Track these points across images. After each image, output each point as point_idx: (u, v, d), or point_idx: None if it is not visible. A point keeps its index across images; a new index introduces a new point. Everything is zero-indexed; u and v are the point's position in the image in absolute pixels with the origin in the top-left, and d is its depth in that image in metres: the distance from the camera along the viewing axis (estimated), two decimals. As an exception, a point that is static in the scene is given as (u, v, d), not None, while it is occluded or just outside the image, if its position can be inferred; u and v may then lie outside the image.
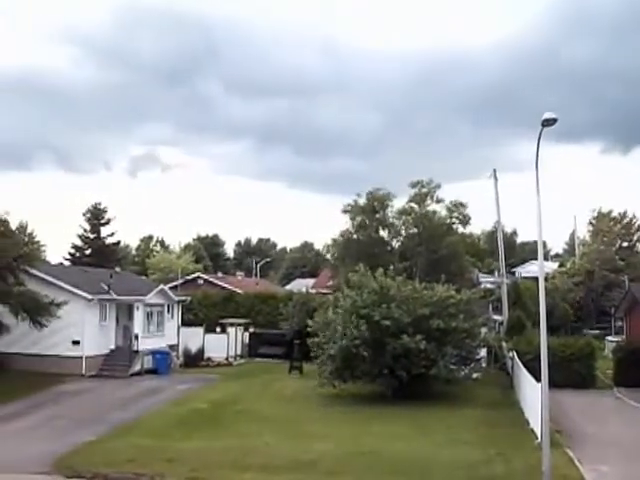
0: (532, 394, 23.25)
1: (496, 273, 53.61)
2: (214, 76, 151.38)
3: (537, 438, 21.43)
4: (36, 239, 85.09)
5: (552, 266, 72.40)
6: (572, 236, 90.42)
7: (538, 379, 19.84)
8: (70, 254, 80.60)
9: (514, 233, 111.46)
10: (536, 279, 25.85)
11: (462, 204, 45.93)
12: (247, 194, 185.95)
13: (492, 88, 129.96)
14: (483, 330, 34.55)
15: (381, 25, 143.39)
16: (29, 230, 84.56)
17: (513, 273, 72.95)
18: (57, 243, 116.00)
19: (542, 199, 18.78)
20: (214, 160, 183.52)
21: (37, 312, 33.36)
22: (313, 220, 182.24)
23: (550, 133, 18.15)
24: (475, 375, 33.06)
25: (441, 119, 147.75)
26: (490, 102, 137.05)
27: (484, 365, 38.58)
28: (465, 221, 46.11)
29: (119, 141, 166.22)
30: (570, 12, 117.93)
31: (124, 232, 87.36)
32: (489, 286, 54.21)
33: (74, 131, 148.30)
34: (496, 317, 48.68)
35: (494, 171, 48.64)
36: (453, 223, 46.25)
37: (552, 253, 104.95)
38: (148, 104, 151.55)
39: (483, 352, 37.61)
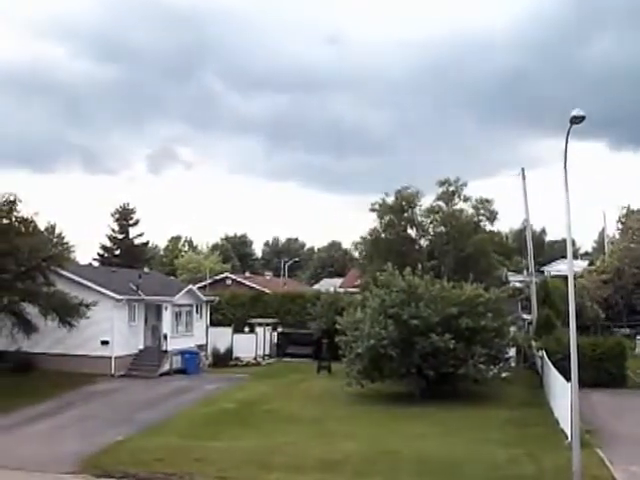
0: (562, 394, 23.08)
1: (525, 272, 53.29)
2: (217, 73, 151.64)
3: (567, 438, 21.25)
4: (65, 240, 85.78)
5: (581, 264, 71.74)
6: (601, 234, 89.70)
7: (568, 378, 19.69)
8: (99, 255, 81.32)
9: (543, 231, 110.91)
10: (565, 278, 25.64)
11: (488, 200, 45.68)
12: (261, 193, 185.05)
13: (499, 83, 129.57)
14: (512, 329, 34.36)
15: (385, 14, 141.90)
16: (58, 231, 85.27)
17: (542, 272, 72.48)
18: (86, 244, 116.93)
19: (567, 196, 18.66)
20: (224, 159, 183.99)
21: (66, 312, 33.53)
22: (331, 219, 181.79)
23: (566, 129, 18.06)
24: (504, 374, 32.83)
25: (449, 116, 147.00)
26: (497, 98, 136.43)
27: (513, 364, 38.36)
28: (492, 217, 45.80)
29: (133, 141, 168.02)
30: (580, 6, 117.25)
31: (151, 232, 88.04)
32: (518, 285, 53.84)
33: (89, 132, 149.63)
34: (525, 316, 48.39)
35: (522, 170, 48.33)
36: (480, 220, 45.98)
37: (581, 251, 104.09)
38: (155, 102, 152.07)
39: (512, 351, 37.41)
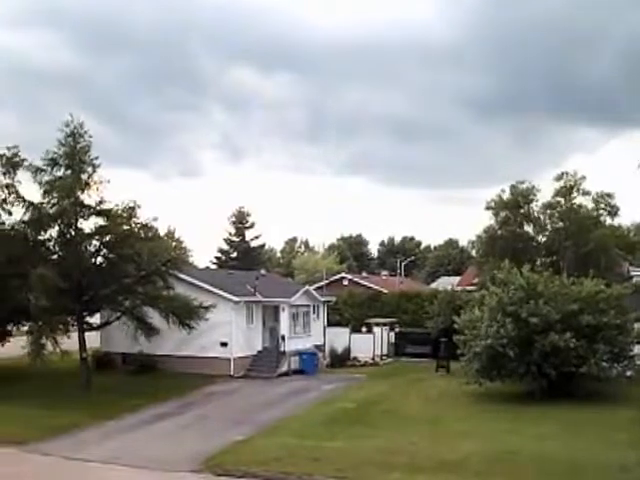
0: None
1: (648, 266, 51.63)
2: (256, 60, 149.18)
3: (696, 438, 20.49)
4: (183, 244, 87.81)
5: None
6: None
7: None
8: (216, 258, 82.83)
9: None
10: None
11: (609, 195, 44.55)
12: (374, 195, 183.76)
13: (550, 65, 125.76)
14: (637, 326, 33.32)
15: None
16: (176, 235, 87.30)
17: (666, 266, 70.05)
18: (203, 248, 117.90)
19: None
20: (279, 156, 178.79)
21: (186, 315, 34.14)
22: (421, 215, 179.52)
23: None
24: (629, 373, 31.88)
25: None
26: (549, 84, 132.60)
27: (639, 362, 37.18)
28: (613, 212, 44.65)
29: (199, 136, 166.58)
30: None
31: (266, 233, 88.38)
32: (641, 280, 52.28)
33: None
34: (650, 312, 46.89)
35: (644, 160, 46.81)
36: (601, 215, 44.87)
37: None
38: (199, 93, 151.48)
39: (637, 349, 36.28)
